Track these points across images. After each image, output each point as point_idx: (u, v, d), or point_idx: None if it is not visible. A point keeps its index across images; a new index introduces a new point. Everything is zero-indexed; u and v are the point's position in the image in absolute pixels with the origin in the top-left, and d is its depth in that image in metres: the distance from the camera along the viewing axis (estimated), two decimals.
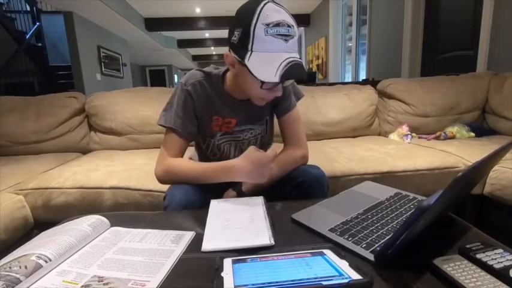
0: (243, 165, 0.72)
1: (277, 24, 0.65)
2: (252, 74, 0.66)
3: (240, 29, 0.67)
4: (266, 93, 0.73)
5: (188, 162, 0.84)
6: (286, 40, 0.65)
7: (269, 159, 0.71)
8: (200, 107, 0.84)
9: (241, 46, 0.67)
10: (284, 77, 0.64)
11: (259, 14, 0.64)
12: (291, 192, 0.83)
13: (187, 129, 0.84)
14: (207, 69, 0.86)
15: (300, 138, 0.90)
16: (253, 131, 0.90)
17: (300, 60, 0.67)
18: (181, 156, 0.85)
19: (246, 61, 0.66)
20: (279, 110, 0.89)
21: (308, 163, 0.90)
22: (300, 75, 0.67)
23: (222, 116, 0.86)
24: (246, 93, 0.78)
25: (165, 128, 0.84)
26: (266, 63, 0.65)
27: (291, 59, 0.66)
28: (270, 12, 0.65)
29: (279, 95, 0.75)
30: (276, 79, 0.64)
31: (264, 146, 0.97)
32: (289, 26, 0.66)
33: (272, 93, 0.73)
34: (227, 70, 0.83)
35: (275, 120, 0.95)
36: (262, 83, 0.68)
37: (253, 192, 0.79)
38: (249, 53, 0.66)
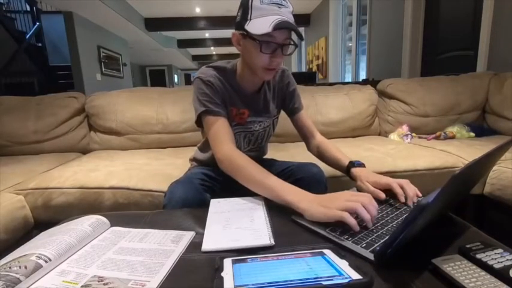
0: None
1: None
2: (251, 35, 0.74)
3: (241, 8, 0.77)
4: (268, 60, 0.77)
5: (257, 167, 0.73)
6: (279, 7, 0.74)
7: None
8: (222, 97, 0.85)
9: (243, 20, 0.76)
10: (276, 27, 0.70)
11: None
12: None
13: (223, 110, 0.83)
14: (216, 64, 0.88)
15: (314, 129, 1.02)
16: (261, 123, 0.95)
17: (294, 23, 0.74)
18: (233, 139, 0.82)
19: (245, 26, 0.75)
20: (290, 109, 1.00)
21: (308, 162, 0.96)
22: (292, 27, 0.73)
23: (236, 107, 0.89)
24: (253, 71, 0.82)
25: (201, 117, 0.82)
26: (261, 23, 0.72)
27: (284, 18, 0.72)
28: None
29: (279, 60, 0.79)
30: (270, 29, 0.70)
31: (266, 140, 1.03)
32: None
33: (273, 59, 0.77)
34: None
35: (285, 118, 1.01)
36: (261, 45, 0.74)
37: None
38: (248, 21, 0.75)
